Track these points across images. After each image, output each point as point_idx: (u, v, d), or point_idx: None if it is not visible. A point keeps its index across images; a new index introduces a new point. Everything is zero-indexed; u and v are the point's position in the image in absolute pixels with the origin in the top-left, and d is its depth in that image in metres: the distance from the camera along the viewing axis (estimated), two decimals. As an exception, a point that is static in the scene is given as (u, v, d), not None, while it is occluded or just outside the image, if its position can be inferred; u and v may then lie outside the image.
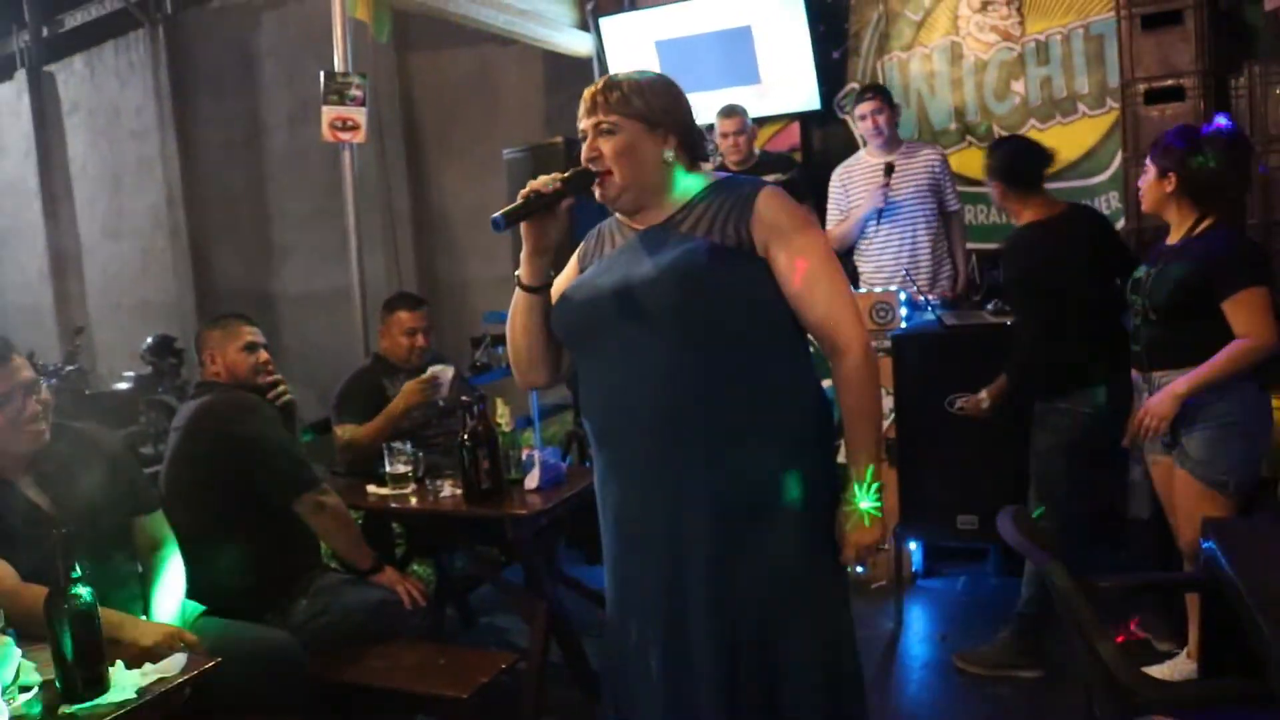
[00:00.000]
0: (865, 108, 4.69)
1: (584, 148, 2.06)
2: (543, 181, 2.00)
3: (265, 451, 2.99)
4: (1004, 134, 5.32)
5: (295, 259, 8.17)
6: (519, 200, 1.99)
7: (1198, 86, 4.20)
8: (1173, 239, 3.05)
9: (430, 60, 7.37)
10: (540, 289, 2.11)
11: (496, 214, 1.95)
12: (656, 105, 2.04)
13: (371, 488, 3.49)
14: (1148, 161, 3.07)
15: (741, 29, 5.61)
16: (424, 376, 3.76)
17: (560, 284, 2.17)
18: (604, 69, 5.92)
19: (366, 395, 3.86)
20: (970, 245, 4.90)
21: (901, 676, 3.66)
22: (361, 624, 2.98)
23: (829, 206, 4.94)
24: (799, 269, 1.99)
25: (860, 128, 4.80)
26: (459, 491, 3.30)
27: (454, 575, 4.01)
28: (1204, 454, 2.93)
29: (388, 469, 3.44)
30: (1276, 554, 2.23)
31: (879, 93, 4.75)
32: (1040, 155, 3.50)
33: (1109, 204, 4.87)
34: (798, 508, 2.01)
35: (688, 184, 2.10)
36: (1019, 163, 3.47)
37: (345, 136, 4.48)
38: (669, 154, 2.07)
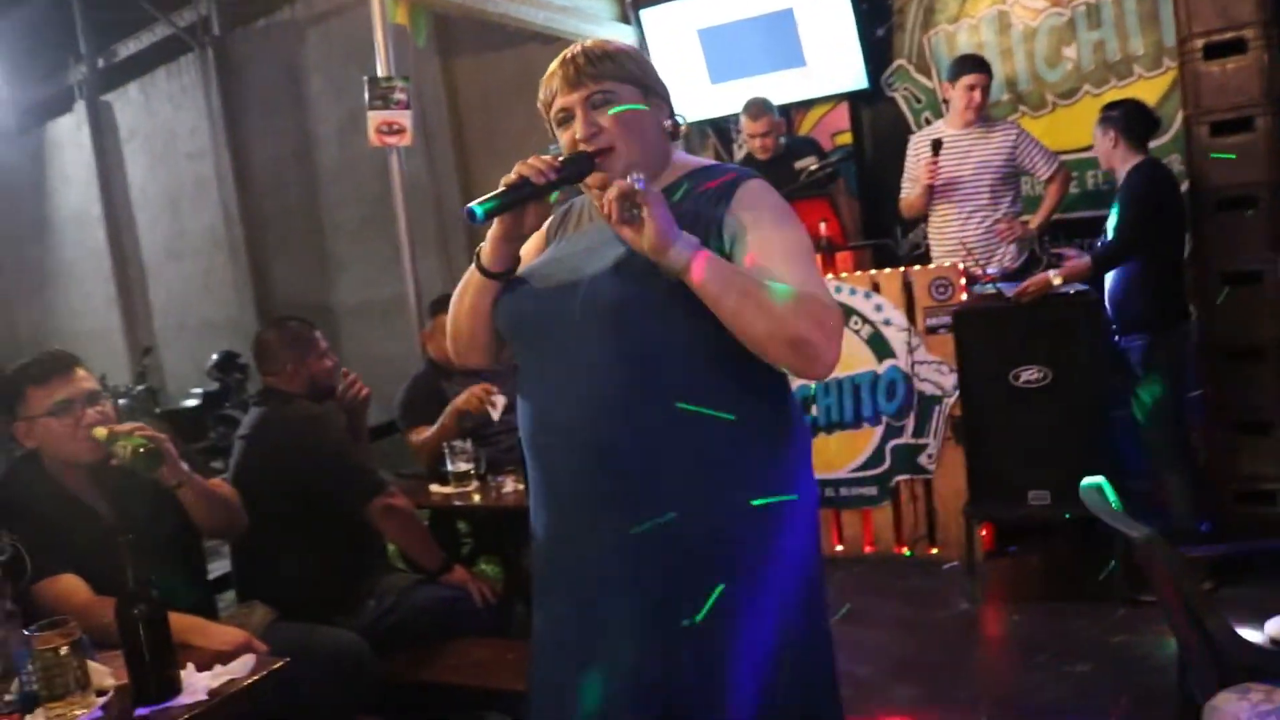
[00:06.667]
0: (974, 79, 4.55)
1: (576, 126, 1.73)
2: (534, 166, 1.68)
3: (335, 461, 3.00)
4: (1058, 102, 5.25)
5: (351, 269, 8.26)
6: (503, 187, 1.68)
7: (1261, 37, 4.06)
8: None
9: (474, 63, 7.40)
10: (502, 275, 1.80)
11: (474, 203, 1.64)
12: (646, 69, 1.78)
13: (434, 487, 3.50)
14: None
15: (784, 12, 5.55)
16: (482, 395, 3.70)
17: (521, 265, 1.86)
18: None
19: (426, 400, 3.87)
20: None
21: (979, 657, 3.59)
22: (431, 623, 2.98)
23: (904, 174, 4.85)
24: (768, 263, 1.65)
25: (960, 99, 4.62)
26: (521, 487, 3.29)
27: (522, 571, 4.00)
28: None
29: (449, 467, 3.44)
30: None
31: (985, 67, 4.63)
32: (1153, 117, 4.16)
33: (1171, 167, 4.73)
34: (760, 572, 1.68)
35: (673, 164, 1.83)
36: (1139, 119, 4.03)
37: (392, 140, 4.50)
38: (667, 124, 1.80)
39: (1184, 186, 4.36)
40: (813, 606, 1.81)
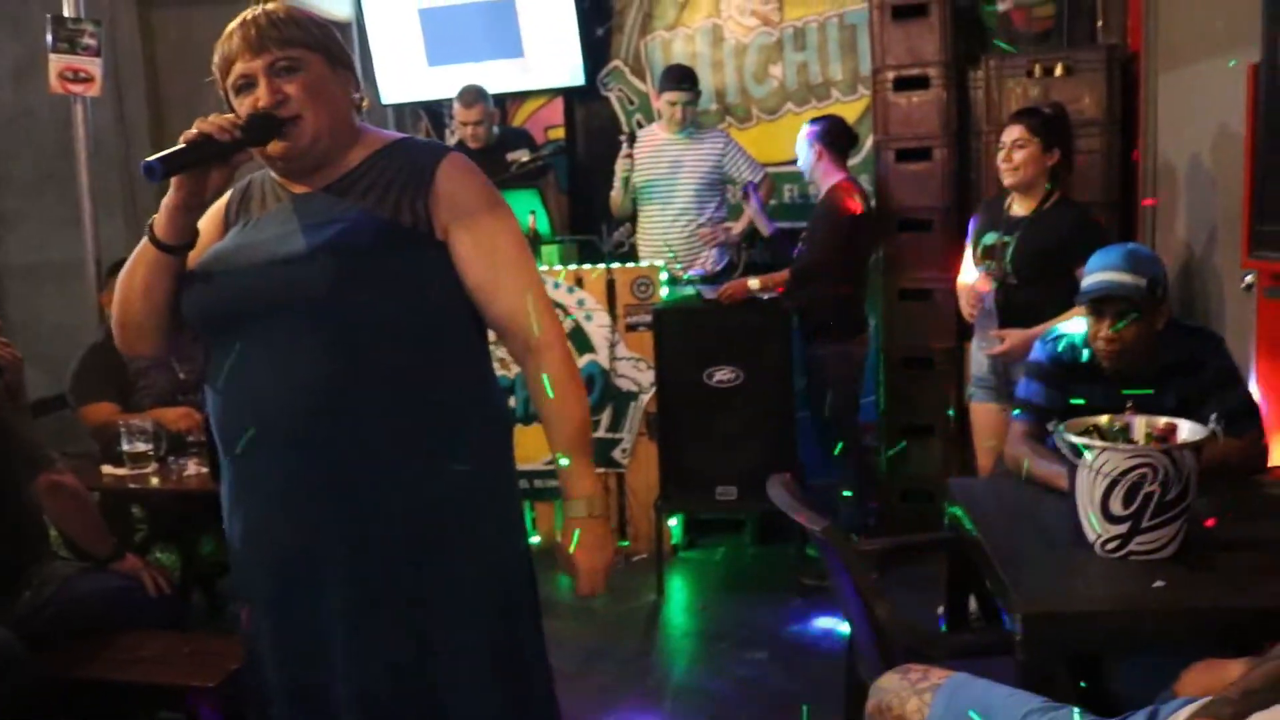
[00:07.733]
0: (675, 97, 4.62)
1: (260, 93, 1.63)
2: (216, 124, 1.59)
3: None
4: (762, 117, 5.51)
5: (22, 227, 7.52)
6: (183, 144, 1.59)
7: (942, 76, 4.44)
8: (1021, 210, 3.42)
9: (177, 17, 6.90)
10: (179, 249, 1.70)
11: (152, 159, 1.55)
12: (333, 38, 1.72)
13: (107, 468, 3.25)
14: (1022, 133, 3.35)
15: (506, 1, 5.53)
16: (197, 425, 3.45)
17: (198, 248, 1.74)
18: (364, 36, 5.71)
19: (104, 372, 3.59)
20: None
21: (664, 647, 3.71)
22: (98, 615, 2.75)
23: (615, 174, 4.89)
24: (483, 256, 1.71)
25: (664, 111, 4.73)
26: (205, 469, 3.12)
27: (201, 560, 3.79)
28: None
29: (126, 447, 3.21)
30: (1013, 512, 2.37)
31: (690, 84, 4.69)
32: (853, 134, 4.39)
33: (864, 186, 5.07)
34: (467, 550, 1.73)
35: (363, 139, 1.77)
36: (841, 135, 4.24)
37: (77, 89, 4.15)
38: (356, 97, 1.75)
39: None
40: (522, 577, 1.89)
